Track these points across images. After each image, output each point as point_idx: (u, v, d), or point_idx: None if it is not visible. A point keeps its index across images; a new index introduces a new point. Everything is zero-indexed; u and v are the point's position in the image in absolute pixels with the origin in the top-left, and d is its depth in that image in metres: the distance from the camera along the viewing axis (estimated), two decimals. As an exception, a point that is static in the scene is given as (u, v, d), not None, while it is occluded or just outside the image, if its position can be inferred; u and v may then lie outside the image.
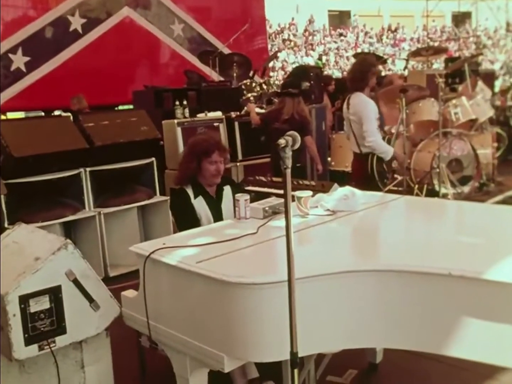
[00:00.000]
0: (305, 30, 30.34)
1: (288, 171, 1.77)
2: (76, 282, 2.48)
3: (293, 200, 2.89)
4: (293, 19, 30.52)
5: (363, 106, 4.88)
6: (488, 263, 2.10)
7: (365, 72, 4.89)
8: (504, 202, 6.61)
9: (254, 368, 2.86)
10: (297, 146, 1.80)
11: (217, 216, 3.36)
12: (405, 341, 2.23)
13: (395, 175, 6.83)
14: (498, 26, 21.62)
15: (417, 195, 6.22)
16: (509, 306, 2.02)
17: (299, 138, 1.81)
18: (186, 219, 3.27)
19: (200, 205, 3.39)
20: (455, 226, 3.12)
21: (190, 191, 3.42)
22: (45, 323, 2.40)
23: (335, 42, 29.65)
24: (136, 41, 9.41)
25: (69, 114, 5.56)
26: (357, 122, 4.92)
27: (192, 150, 3.47)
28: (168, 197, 5.49)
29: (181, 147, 5.74)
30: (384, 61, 8.33)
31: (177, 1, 10.00)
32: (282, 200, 2.78)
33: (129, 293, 2.69)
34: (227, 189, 3.52)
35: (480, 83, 7.60)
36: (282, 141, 1.74)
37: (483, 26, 29.06)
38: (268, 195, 3.55)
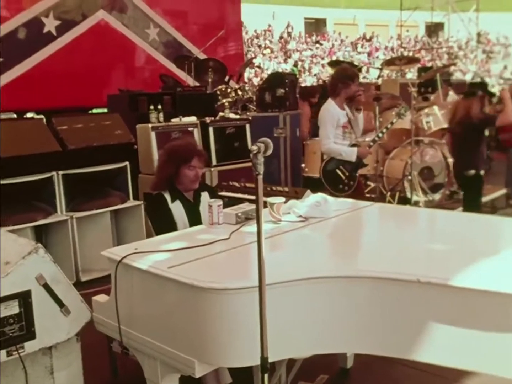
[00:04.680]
0: (281, 37, 30.50)
1: (260, 178, 1.79)
2: (46, 287, 2.46)
3: (266, 206, 2.91)
4: (269, 25, 30.66)
5: (324, 111, 5.09)
6: (456, 269, 2.14)
7: (339, 81, 5.03)
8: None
9: (227, 374, 2.87)
10: (269, 152, 1.82)
11: (194, 221, 3.35)
12: (375, 346, 2.26)
13: (368, 182, 6.92)
14: (470, 38, 22.04)
15: (389, 202, 6.30)
16: (474, 311, 2.06)
17: (271, 145, 1.82)
18: (163, 224, 3.26)
19: (177, 209, 3.39)
20: (426, 233, 3.16)
21: (167, 196, 3.42)
22: (14, 328, 2.37)
23: (311, 49, 29.87)
24: (111, 45, 9.34)
25: (42, 116, 5.50)
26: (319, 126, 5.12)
27: (170, 155, 3.47)
28: (142, 202, 5.48)
29: (155, 152, 5.72)
30: (358, 70, 8.42)
31: (153, 5, 9.96)
32: (254, 206, 2.79)
33: (101, 298, 2.68)
34: (205, 195, 3.52)
35: (451, 93, 7.74)
36: (254, 148, 1.75)
37: (455, 37, 29.58)
38: (241, 200, 3.57)
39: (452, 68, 23.27)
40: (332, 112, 5.03)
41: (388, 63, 7.94)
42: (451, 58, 21.27)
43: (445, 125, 6.81)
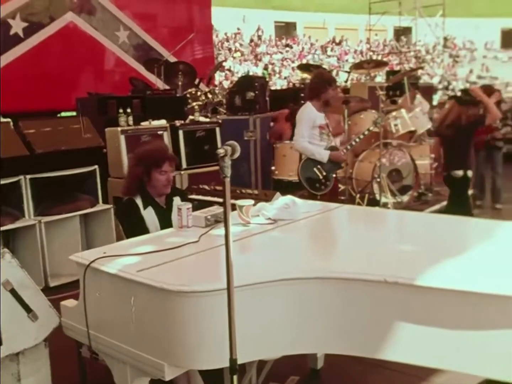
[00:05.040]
0: (251, 40, 30.59)
1: (227, 180, 1.80)
2: (13, 292, 2.43)
3: (235, 209, 2.93)
4: (238, 29, 30.73)
5: (301, 112, 5.27)
6: (423, 269, 2.18)
7: (318, 85, 5.23)
8: (441, 211, 6.83)
9: (199, 378, 2.86)
10: (236, 155, 1.83)
11: (167, 226, 3.34)
12: (344, 346, 2.29)
13: (338, 185, 6.97)
14: (437, 42, 22.41)
15: (358, 204, 6.37)
16: (441, 310, 2.10)
17: (238, 148, 1.84)
18: (135, 231, 3.23)
19: (149, 216, 3.38)
20: (394, 234, 3.21)
21: (139, 202, 3.39)
22: (-20, 335, 2.34)
23: (281, 52, 30.02)
24: (80, 47, 9.25)
25: (9, 120, 5.42)
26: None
27: (141, 160, 3.45)
28: (112, 206, 5.44)
29: (124, 155, 5.69)
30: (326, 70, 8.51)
31: (122, 8, 9.90)
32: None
33: (69, 303, 2.66)
34: (177, 200, 3.50)
35: (418, 96, 7.86)
36: (221, 151, 1.76)
37: (422, 41, 30.06)
38: (211, 203, 3.58)
39: (419, 71, 23.63)
40: (309, 113, 5.19)
41: (357, 66, 8.03)
42: (419, 62, 21.58)
43: (413, 128, 6.92)
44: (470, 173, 5.36)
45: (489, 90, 6.23)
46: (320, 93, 5.16)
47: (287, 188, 6.36)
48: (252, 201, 2.97)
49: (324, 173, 5.16)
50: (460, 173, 5.32)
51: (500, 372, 2.07)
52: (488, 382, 2.45)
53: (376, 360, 2.27)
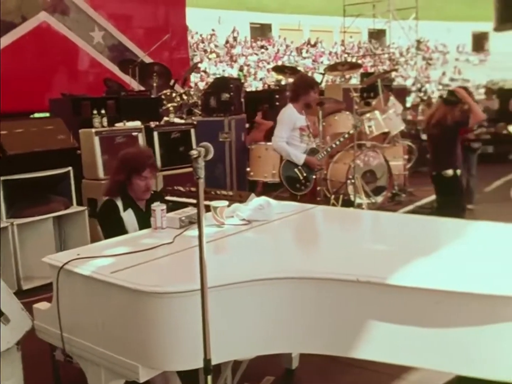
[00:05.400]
0: (227, 42, 30.60)
1: (201, 181, 1.81)
2: (-16, 295, 2.41)
3: (210, 210, 2.94)
4: (213, 30, 30.71)
5: (282, 113, 5.33)
6: (395, 269, 2.21)
7: (300, 88, 5.30)
8: (414, 211, 6.92)
9: (177, 379, 2.86)
10: (210, 156, 1.84)
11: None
12: (318, 345, 2.31)
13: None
14: (410, 45, 22.68)
15: (333, 205, 6.42)
16: (412, 308, 2.14)
17: (212, 149, 1.85)
18: (114, 231, 3.21)
19: (129, 218, 3.37)
20: (368, 234, 3.25)
21: (119, 203, 3.39)
22: (-49, 338, 2.31)
23: (256, 54, 30.08)
24: (54, 47, 9.15)
25: (-20, 121, 5.35)
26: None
27: (123, 163, 3.44)
28: (86, 207, 5.41)
29: (99, 157, 5.66)
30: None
31: (97, 8, 9.82)
32: (199, 210, 2.81)
33: (42, 306, 2.64)
34: None
35: (392, 98, 7.95)
36: (194, 152, 1.77)
37: (396, 44, 30.40)
38: (186, 205, 3.58)
39: (393, 73, 23.87)
40: (290, 115, 5.25)
41: (331, 68, 8.09)
42: (393, 64, 21.80)
43: (386, 130, 7.00)
44: (459, 172, 5.46)
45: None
46: (302, 95, 5.23)
47: (262, 189, 6.39)
48: (226, 202, 2.98)
49: (305, 174, 5.22)
50: (450, 172, 5.40)
51: (470, 368, 2.11)
52: (459, 378, 2.50)
53: (350, 359, 2.29)
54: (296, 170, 5.20)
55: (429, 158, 5.76)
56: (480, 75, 29.84)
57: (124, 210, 3.37)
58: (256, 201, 3.09)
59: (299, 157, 5.23)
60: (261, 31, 34.82)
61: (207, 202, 3.07)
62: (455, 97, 5.48)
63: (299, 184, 5.22)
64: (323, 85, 8.57)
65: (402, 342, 2.17)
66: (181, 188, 4.13)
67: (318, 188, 6.37)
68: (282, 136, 5.21)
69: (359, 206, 6.34)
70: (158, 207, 2.91)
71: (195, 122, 6.70)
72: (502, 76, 21.96)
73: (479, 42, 38.80)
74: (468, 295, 2.05)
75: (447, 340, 2.11)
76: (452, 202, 5.49)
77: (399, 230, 3.15)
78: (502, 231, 2.90)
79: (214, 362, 1.99)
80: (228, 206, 3.05)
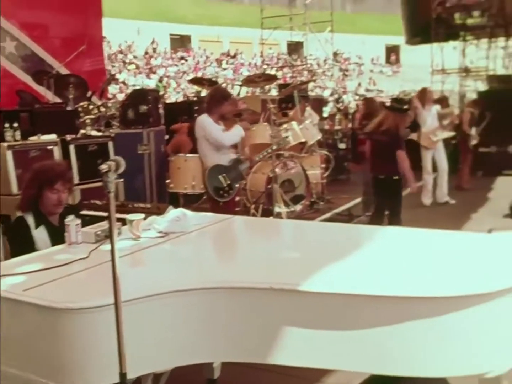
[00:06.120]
0: (146, 53, 30.34)
1: (112, 195, 1.82)
2: None
3: (126, 224, 2.93)
4: (133, 42, 30.38)
5: (201, 122, 5.40)
6: (309, 275, 2.29)
7: (214, 100, 5.42)
8: (331, 219, 7.13)
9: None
10: (121, 170, 1.85)
11: None
12: (236, 353, 2.36)
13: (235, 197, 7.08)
14: (327, 57, 23.35)
15: (253, 214, 6.50)
16: (324, 313, 2.23)
17: (123, 162, 1.86)
18: (23, 252, 3.12)
19: (41, 236, 3.27)
20: (284, 242, 3.33)
21: (31, 220, 3.29)
22: None
23: (176, 65, 29.98)
24: (-38, 58, 8.78)
25: None
26: (200, 140, 5.36)
27: (35, 176, 3.36)
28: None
29: (12, 172, 5.47)
30: (220, 85, 8.63)
31: (9, 17, 9.49)
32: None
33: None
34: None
35: (308, 109, 8.16)
36: (104, 166, 1.78)
37: (314, 55, 31.16)
38: (103, 219, 3.54)
39: (312, 84, 24.43)
40: (210, 121, 5.33)
41: (248, 80, 8.21)
42: (311, 75, 22.33)
43: (303, 139, 7.17)
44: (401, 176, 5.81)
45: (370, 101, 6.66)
46: (216, 107, 5.30)
47: (183, 200, 6.39)
48: (142, 215, 2.99)
49: (229, 182, 5.30)
50: (396, 177, 5.77)
51: (384, 367, 2.22)
52: (373, 377, 2.61)
53: (271, 366, 2.35)
54: (220, 177, 5.27)
55: (374, 163, 6.06)
56: (393, 85, 31.12)
57: (36, 227, 3.28)
58: (172, 213, 3.11)
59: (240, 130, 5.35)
60: (180, 42, 34.78)
61: (123, 216, 3.07)
62: (401, 105, 5.81)
63: (223, 191, 5.29)
64: (241, 96, 8.68)
65: (318, 346, 2.25)
66: (98, 202, 4.07)
67: (238, 198, 6.45)
68: (218, 128, 5.27)
69: (278, 215, 6.45)
70: (72, 222, 2.87)
71: (113, 135, 6.61)
72: (413, 86, 22.99)
73: (392, 54, 40.48)
74: (376, 297, 2.16)
75: (360, 341, 2.21)
76: (394, 204, 5.86)
77: (315, 238, 3.26)
78: (412, 236, 3.07)
79: (131, 375, 2.00)
80: (145, 218, 3.05)
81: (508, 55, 17.17)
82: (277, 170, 6.85)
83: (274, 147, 6.18)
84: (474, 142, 9.93)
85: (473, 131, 9.79)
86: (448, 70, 17.10)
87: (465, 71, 17.54)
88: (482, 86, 16.67)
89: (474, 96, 14.29)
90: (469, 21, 16.58)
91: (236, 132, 5.36)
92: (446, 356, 2.19)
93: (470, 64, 17.57)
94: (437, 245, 2.87)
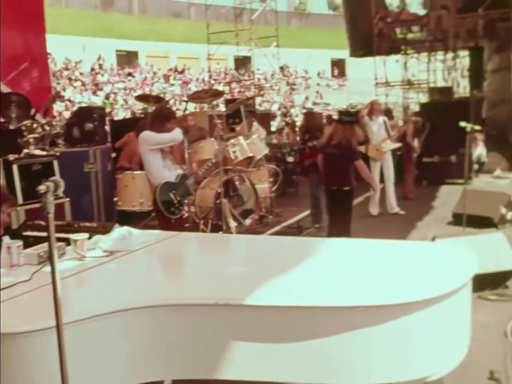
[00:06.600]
0: (92, 69, 29.99)
1: (51, 217, 1.80)
2: None
3: (70, 244, 2.90)
4: (81, 60, 30.00)
5: (143, 135, 5.22)
6: (255, 289, 2.32)
7: (156, 119, 5.30)
8: (281, 232, 7.18)
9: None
10: (60, 191, 1.84)
11: None
12: (186, 370, 2.37)
13: (183, 213, 7.06)
14: (274, 71, 23.63)
15: (203, 230, 6.49)
16: (269, 326, 2.26)
17: (62, 183, 1.85)
18: None
19: None
20: (231, 258, 3.36)
21: None
22: None
23: (123, 81, 29.74)
24: None
25: None
26: (145, 155, 5.25)
27: None
28: None
29: (-49, 193, 5.32)
30: (166, 102, 8.63)
31: None
32: (58, 244, 2.76)
33: None
34: (6, 239, 3.34)
35: (255, 124, 8.23)
36: (42, 187, 1.77)
37: (261, 70, 31.50)
38: (46, 239, 3.47)
39: (260, 99, 24.67)
40: (151, 133, 5.19)
41: (194, 96, 8.23)
42: (258, 90, 22.57)
43: (251, 154, 7.23)
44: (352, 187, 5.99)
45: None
46: (158, 127, 5.21)
47: (130, 218, 6.33)
48: (86, 235, 2.96)
49: (179, 198, 5.27)
50: (346, 188, 5.93)
51: (329, 377, 2.27)
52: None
53: (220, 381, 2.36)
54: (171, 194, 5.23)
55: (327, 175, 6.26)
56: (340, 99, 31.70)
57: None
58: (118, 232, 3.09)
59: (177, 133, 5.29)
60: (127, 59, 34.55)
61: (68, 235, 3.03)
62: (350, 117, 5.97)
63: (174, 208, 5.25)
64: (187, 112, 8.68)
65: (264, 359, 2.29)
66: (42, 222, 4.00)
67: (187, 214, 6.44)
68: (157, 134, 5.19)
69: (228, 230, 6.46)
70: (13, 244, 2.82)
71: (58, 154, 6.51)
72: (359, 99, 23.51)
73: (338, 68, 41.31)
74: (319, 308, 2.21)
75: (305, 352, 2.25)
76: (345, 214, 6.01)
77: (264, 252, 3.31)
78: (359, 246, 3.15)
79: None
80: (90, 238, 3.03)
81: (447, 68, 17.79)
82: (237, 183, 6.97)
83: (214, 161, 6.21)
84: (416, 153, 10.23)
85: (416, 142, 10.08)
86: (391, 83, 17.61)
87: (408, 83, 18.10)
88: (424, 98, 17.21)
89: (417, 108, 14.74)
90: (410, 36, 17.16)
91: (175, 133, 5.29)
92: (389, 363, 2.26)
93: (412, 77, 18.13)
94: (382, 254, 2.96)
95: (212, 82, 24.28)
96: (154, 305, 2.29)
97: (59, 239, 3.14)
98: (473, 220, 6.61)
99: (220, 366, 2.32)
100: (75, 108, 17.32)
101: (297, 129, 12.52)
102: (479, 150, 12.44)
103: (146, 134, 5.21)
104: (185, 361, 2.36)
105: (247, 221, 7.04)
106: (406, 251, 3.06)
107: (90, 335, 2.19)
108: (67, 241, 2.96)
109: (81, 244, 2.89)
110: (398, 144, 9.34)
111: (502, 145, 12.71)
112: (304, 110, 25.07)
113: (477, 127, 6.48)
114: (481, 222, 6.75)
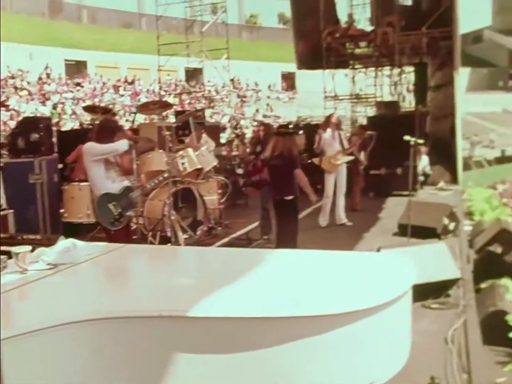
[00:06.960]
0: (40, 78, 29.39)
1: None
2: None
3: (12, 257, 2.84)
4: (28, 71, 29.35)
5: (88, 147, 5.21)
6: (201, 301, 2.32)
7: (101, 132, 5.26)
8: (230, 243, 7.21)
9: None
10: None
11: None
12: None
13: (131, 224, 6.99)
14: (225, 83, 23.72)
15: (151, 242, 6.45)
16: (214, 338, 2.27)
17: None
18: None
19: None
20: (180, 269, 3.34)
21: None
22: None
23: (72, 91, 29.25)
24: None
25: None
26: (88, 167, 5.20)
27: None
28: None
29: None
30: (113, 114, 8.55)
31: None
32: (-1, 257, 2.71)
33: None
34: None
35: (204, 136, 8.26)
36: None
37: (212, 82, 31.53)
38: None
39: (210, 111, 24.69)
40: (93, 144, 5.15)
41: (143, 107, 8.18)
42: (209, 102, 22.60)
43: (199, 166, 7.24)
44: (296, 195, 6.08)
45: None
46: (104, 140, 5.15)
47: (77, 230, 6.23)
48: (29, 247, 2.90)
49: (119, 210, 5.18)
50: (290, 197, 6.01)
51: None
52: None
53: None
54: (110, 206, 5.16)
55: (274, 186, 6.36)
56: (290, 111, 32.04)
57: None
58: (62, 244, 3.05)
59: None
60: (76, 68, 34.04)
61: (10, 248, 2.97)
62: (288, 129, 6.08)
63: (113, 220, 5.17)
64: (136, 123, 8.63)
65: (208, 371, 2.29)
66: (-16, 235, 3.90)
67: (135, 226, 6.39)
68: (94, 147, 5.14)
69: (176, 241, 6.43)
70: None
71: (1, 164, 6.37)
72: (309, 112, 23.83)
73: (288, 81, 41.79)
74: (262, 319, 2.23)
75: (248, 363, 2.27)
76: (291, 223, 6.09)
77: (212, 263, 3.32)
78: (306, 257, 3.20)
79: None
80: (33, 250, 2.97)
81: (393, 83, 18.27)
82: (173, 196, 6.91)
83: (166, 175, 6.18)
84: (363, 165, 10.42)
85: (362, 155, 10.28)
86: (340, 97, 17.93)
87: (356, 97, 18.49)
88: (372, 112, 17.61)
89: (364, 121, 15.05)
90: (357, 51, 17.56)
91: (118, 143, 5.23)
92: (331, 372, 2.30)
93: (360, 91, 18.54)
94: (327, 265, 3.01)
95: (163, 93, 24.09)
96: (98, 318, 2.26)
97: (1, 252, 3.08)
98: (417, 231, 6.78)
99: (165, 378, 2.31)
100: (20, 118, 16.93)
101: (246, 141, 12.56)
102: (424, 163, 12.78)
103: (89, 145, 5.15)
104: (131, 374, 2.34)
105: (196, 233, 7.04)
106: (350, 262, 3.12)
107: (32, 349, 2.15)
108: (9, 254, 2.90)
109: (23, 257, 2.83)
110: (352, 157, 9.49)
111: (445, 158, 13.10)
112: (255, 123, 25.25)
113: (420, 141, 6.65)
114: (425, 233, 6.92)
